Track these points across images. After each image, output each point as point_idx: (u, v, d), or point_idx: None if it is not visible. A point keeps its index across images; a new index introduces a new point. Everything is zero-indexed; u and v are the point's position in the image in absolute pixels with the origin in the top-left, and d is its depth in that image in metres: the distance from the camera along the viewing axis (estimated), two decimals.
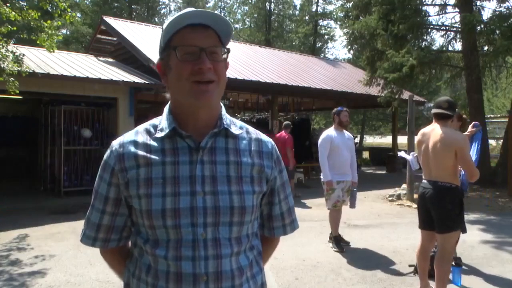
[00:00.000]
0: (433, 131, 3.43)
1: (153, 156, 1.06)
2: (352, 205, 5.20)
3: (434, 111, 3.48)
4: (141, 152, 1.07)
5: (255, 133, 1.20)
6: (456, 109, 3.72)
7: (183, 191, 1.03)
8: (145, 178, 1.04)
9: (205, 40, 1.05)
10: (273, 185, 1.19)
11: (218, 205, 1.04)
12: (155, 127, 1.12)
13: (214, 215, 1.04)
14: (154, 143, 1.08)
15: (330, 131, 5.15)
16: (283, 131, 9.13)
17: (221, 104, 1.16)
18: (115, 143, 1.12)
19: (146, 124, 1.14)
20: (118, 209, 1.12)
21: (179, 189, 1.03)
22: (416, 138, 3.66)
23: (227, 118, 1.14)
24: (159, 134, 1.08)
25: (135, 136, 1.11)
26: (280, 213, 1.24)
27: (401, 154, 4.58)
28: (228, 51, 1.10)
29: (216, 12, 1.09)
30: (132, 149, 1.08)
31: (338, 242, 5.09)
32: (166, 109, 1.14)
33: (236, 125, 1.16)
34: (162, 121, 1.11)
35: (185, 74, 1.04)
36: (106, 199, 1.11)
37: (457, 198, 3.33)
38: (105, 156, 1.12)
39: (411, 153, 4.43)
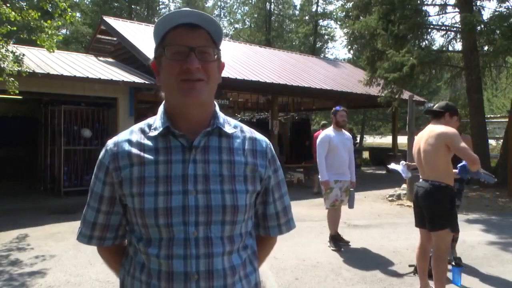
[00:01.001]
0: (425, 131, 3.50)
1: (146, 155, 1.06)
2: (351, 206, 5.19)
3: (427, 111, 3.57)
4: (134, 151, 1.08)
5: (250, 131, 1.20)
6: (453, 109, 3.71)
7: (175, 190, 1.03)
8: (138, 177, 1.05)
9: (195, 39, 1.05)
10: (267, 184, 1.18)
11: (210, 204, 1.04)
12: (149, 126, 1.12)
13: (206, 214, 1.04)
14: (148, 142, 1.09)
15: (329, 131, 5.14)
16: (320, 130, 9.25)
17: (215, 103, 1.16)
18: (110, 142, 1.13)
19: (141, 124, 1.15)
20: (113, 208, 1.12)
21: (172, 188, 1.03)
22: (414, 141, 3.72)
23: (220, 117, 1.14)
24: (153, 133, 1.09)
25: (129, 135, 1.12)
26: (275, 212, 1.23)
27: (392, 166, 4.55)
28: (219, 51, 1.10)
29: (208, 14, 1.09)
30: (126, 148, 1.09)
31: (336, 241, 5.09)
32: (160, 108, 1.14)
33: (230, 124, 1.16)
34: (156, 120, 1.12)
35: (174, 73, 1.04)
36: (101, 198, 1.12)
37: (447, 197, 3.34)
38: (100, 155, 1.13)
39: (401, 162, 4.41)
